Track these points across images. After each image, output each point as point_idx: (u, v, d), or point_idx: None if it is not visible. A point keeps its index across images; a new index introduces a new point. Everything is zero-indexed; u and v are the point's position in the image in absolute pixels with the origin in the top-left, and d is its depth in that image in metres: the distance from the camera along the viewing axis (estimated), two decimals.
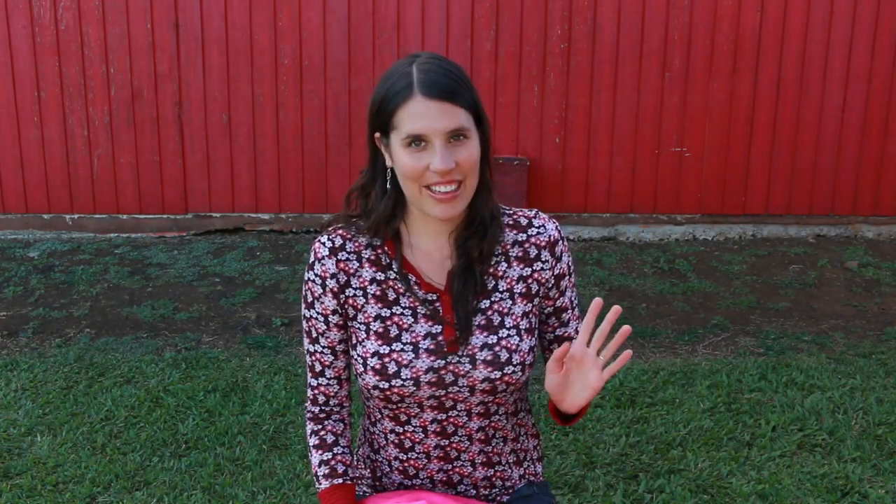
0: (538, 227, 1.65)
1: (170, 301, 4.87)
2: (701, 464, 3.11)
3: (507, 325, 1.61)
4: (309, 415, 1.71)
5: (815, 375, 3.82)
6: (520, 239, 1.65)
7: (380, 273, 1.62)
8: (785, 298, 4.93)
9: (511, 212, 1.67)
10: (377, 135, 1.58)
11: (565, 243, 1.68)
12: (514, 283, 1.63)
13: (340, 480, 1.63)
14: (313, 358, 1.67)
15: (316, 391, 1.69)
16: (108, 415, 3.50)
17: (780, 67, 5.92)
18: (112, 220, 6.16)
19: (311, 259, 1.63)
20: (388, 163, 1.58)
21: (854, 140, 6.04)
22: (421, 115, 1.48)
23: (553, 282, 1.66)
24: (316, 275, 1.62)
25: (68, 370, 3.93)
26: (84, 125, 6.00)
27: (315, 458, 1.67)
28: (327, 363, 1.67)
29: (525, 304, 1.63)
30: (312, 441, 1.69)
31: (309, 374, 1.70)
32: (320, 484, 1.65)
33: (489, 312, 1.61)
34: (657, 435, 3.31)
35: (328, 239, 1.62)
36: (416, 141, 1.49)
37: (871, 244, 5.98)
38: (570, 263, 1.69)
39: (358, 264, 1.61)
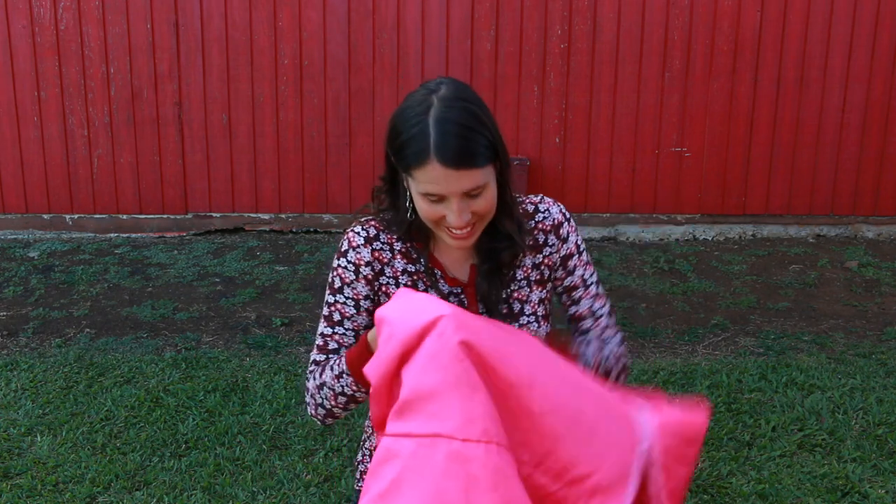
0: (543, 212, 1.69)
1: (170, 301, 4.87)
2: (701, 464, 3.11)
3: (527, 313, 1.67)
4: (309, 375, 1.70)
5: (815, 375, 3.82)
6: (528, 227, 1.69)
7: (410, 265, 1.67)
8: (785, 298, 4.93)
9: (520, 200, 1.70)
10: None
11: (572, 224, 1.71)
12: (529, 271, 1.68)
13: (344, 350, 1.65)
14: (330, 339, 1.68)
15: (324, 364, 1.68)
16: (108, 415, 3.50)
17: (780, 67, 5.92)
18: (112, 220, 6.16)
19: (345, 247, 1.66)
20: (406, 185, 1.58)
21: (854, 140, 6.03)
22: (437, 180, 1.49)
23: (559, 262, 1.70)
24: (349, 262, 1.65)
25: (68, 370, 3.93)
26: (84, 125, 6.00)
27: (335, 370, 1.62)
28: (346, 344, 1.69)
29: (540, 291, 1.69)
30: (318, 376, 1.66)
31: (317, 352, 1.69)
32: (346, 367, 1.61)
33: (510, 301, 1.67)
34: None
35: (363, 229, 1.66)
36: (433, 198, 1.52)
37: (871, 244, 5.98)
38: (578, 242, 1.72)
39: (391, 255, 1.66)
